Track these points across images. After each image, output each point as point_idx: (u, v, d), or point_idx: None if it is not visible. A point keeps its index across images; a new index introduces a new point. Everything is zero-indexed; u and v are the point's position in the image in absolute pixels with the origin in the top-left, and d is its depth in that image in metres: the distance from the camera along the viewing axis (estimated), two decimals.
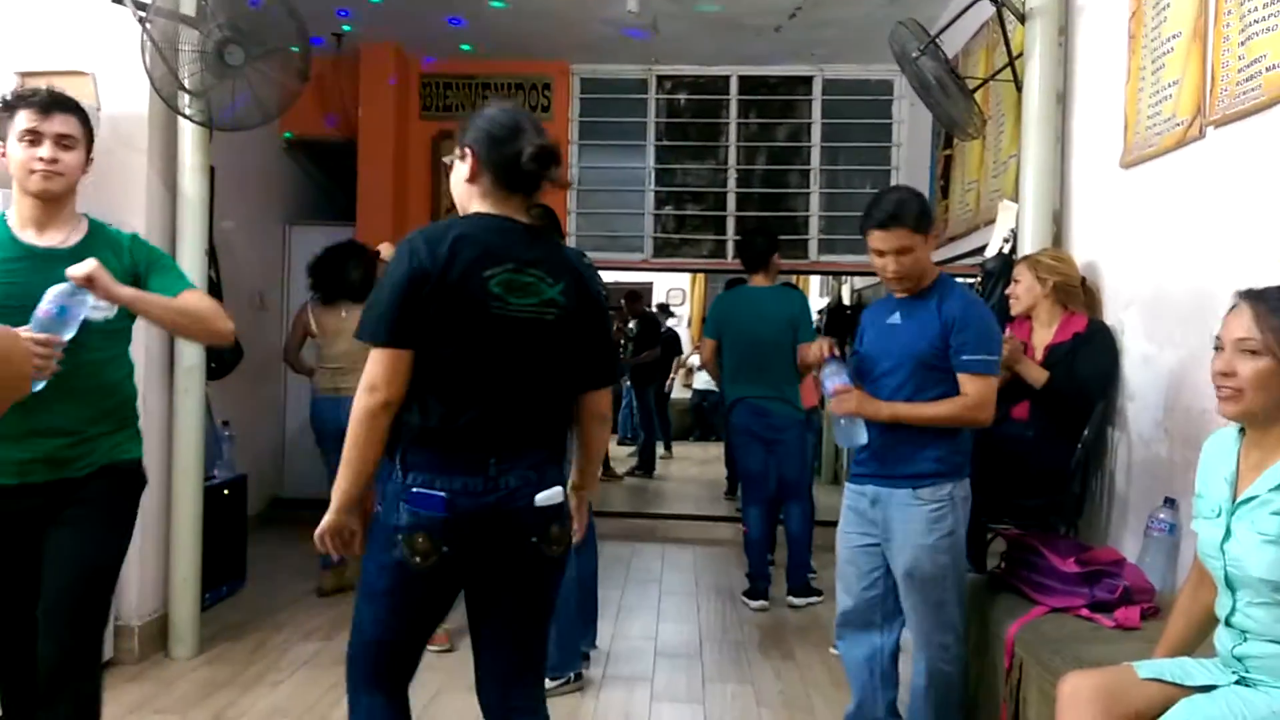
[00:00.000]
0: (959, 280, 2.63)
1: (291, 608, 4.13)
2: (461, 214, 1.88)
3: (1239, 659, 1.65)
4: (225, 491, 4.20)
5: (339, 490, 1.81)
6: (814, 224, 5.90)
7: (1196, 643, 1.84)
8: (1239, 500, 1.66)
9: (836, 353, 2.51)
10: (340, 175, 6.29)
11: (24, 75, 3.44)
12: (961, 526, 2.43)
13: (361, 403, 1.74)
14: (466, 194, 1.88)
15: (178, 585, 3.50)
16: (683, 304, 10.43)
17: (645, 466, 8.11)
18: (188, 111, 3.32)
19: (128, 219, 3.42)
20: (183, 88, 3.20)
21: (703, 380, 9.25)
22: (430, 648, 3.58)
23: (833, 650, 3.22)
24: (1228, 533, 1.66)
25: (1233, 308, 1.66)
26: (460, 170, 1.87)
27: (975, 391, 2.36)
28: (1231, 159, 2.35)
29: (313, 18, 3.30)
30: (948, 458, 2.42)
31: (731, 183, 5.95)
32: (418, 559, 1.75)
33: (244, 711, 3.04)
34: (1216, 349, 1.67)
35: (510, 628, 1.91)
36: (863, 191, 5.91)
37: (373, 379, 1.73)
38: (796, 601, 4.35)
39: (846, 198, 5.94)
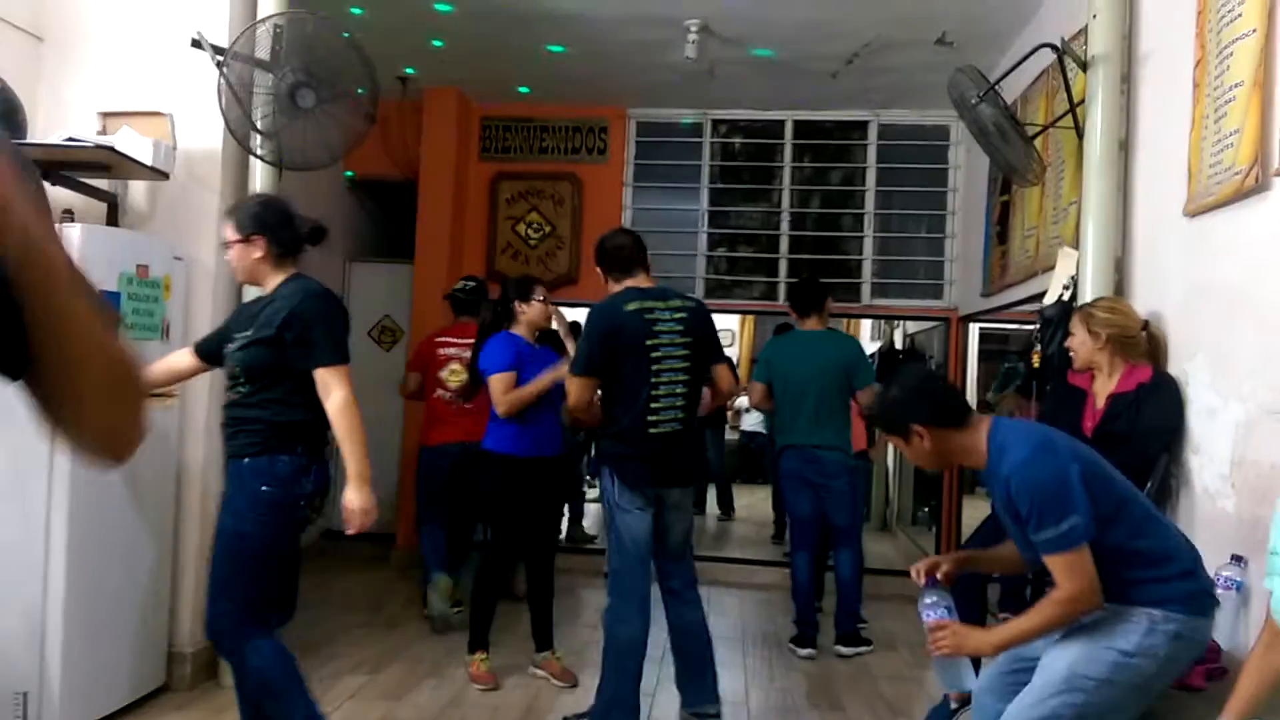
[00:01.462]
0: (1005, 423, 2.25)
1: (340, 639, 4.17)
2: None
3: None
4: None
5: None
6: (867, 268, 5.88)
7: (1267, 703, 1.78)
8: None
9: (937, 575, 2.24)
10: (400, 214, 6.44)
11: (106, 115, 3.59)
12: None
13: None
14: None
15: None
16: (731, 345, 10.44)
17: (725, 508, 8.07)
18: (259, 151, 3.43)
19: (200, 253, 3.54)
20: (255, 129, 3.31)
21: (750, 421, 9.19)
22: (476, 686, 3.60)
23: None
24: None
25: None
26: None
27: (1060, 574, 1.97)
28: None
29: (379, 61, 3.40)
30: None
31: (785, 225, 5.97)
32: None
33: None
34: None
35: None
36: (917, 236, 5.90)
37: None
38: (845, 651, 4.27)
39: (900, 242, 5.92)
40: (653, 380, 3.11)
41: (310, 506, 2.56)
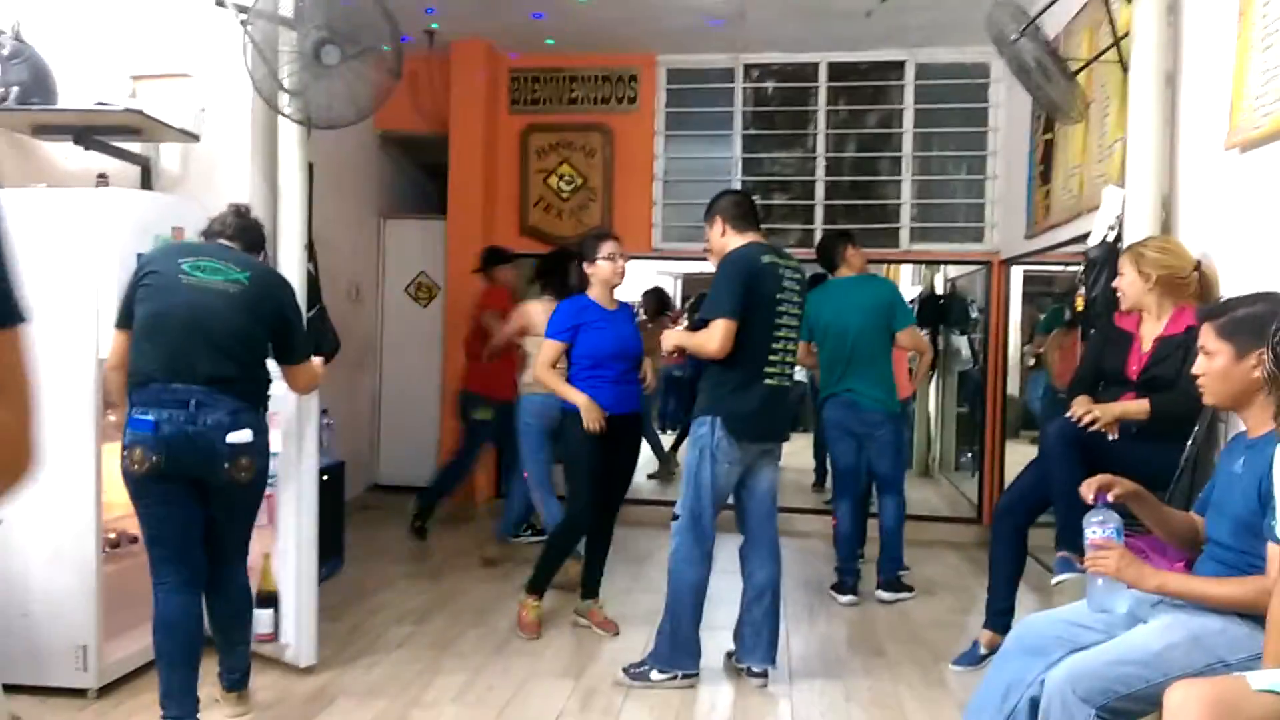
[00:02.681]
0: None
1: (387, 590, 4.26)
2: None
3: None
4: (325, 477, 4.33)
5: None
6: (905, 212, 5.76)
7: None
8: None
9: (1109, 495, 2.16)
10: (432, 169, 6.43)
11: (136, 79, 3.60)
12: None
13: None
14: None
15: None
16: None
17: None
18: (287, 110, 3.42)
19: None
20: (282, 87, 3.30)
21: None
22: (520, 635, 3.67)
23: None
24: None
25: None
26: None
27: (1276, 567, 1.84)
28: None
29: (403, 15, 3.36)
30: None
31: (820, 171, 5.85)
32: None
33: (343, 690, 3.15)
34: None
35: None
36: (957, 178, 5.75)
37: None
38: (886, 596, 4.28)
39: (940, 185, 5.78)
40: (775, 334, 3.19)
41: (129, 458, 2.56)
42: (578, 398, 3.62)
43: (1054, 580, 2.86)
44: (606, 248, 3.76)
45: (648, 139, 5.93)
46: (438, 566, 4.71)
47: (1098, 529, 2.10)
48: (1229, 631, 1.93)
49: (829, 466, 5.11)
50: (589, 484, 3.71)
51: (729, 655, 3.39)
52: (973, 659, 3.23)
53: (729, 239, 3.28)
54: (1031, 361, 5.66)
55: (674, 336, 3.39)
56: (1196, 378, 2.18)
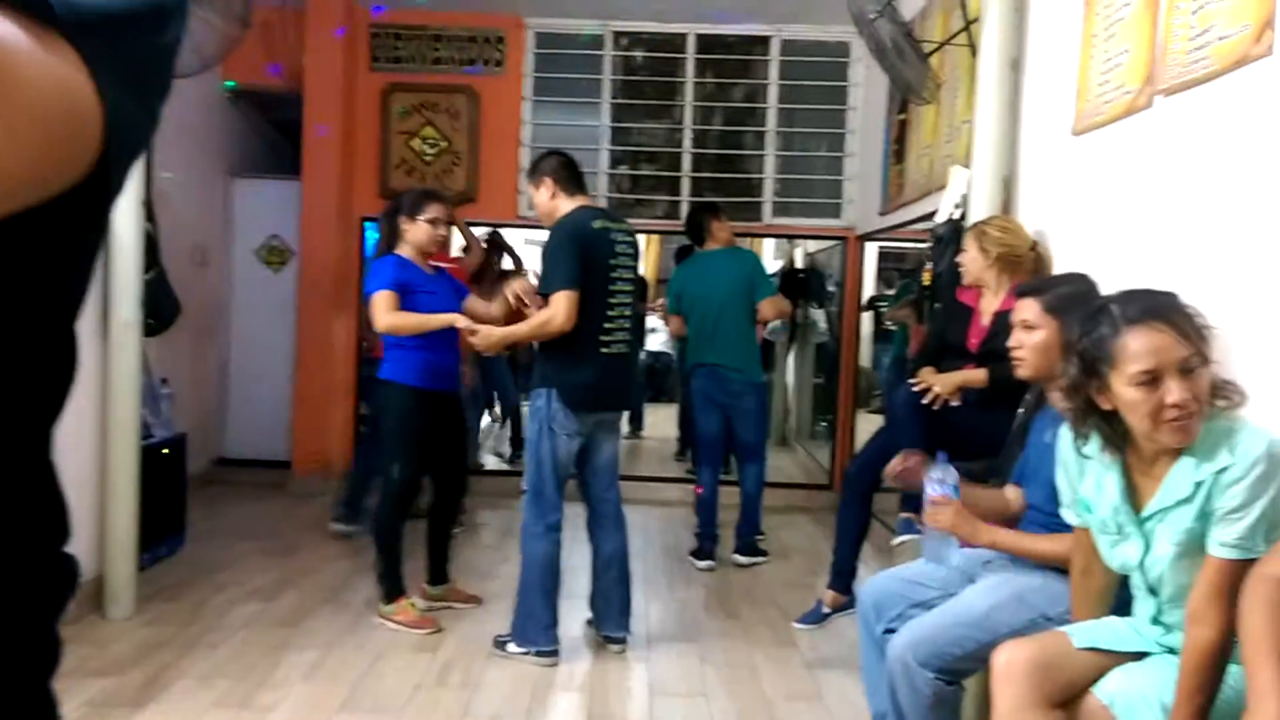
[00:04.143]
0: None
1: (233, 568, 4.07)
2: None
3: (1165, 626, 1.70)
4: (164, 451, 4.10)
5: None
6: (768, 186, 5.87)
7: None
8: (1145, 515, 1.67)
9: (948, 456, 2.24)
10: (287, 127, 6.12)
11: None
12: None
13: None
14: None
15: (113, 545, 3.42)
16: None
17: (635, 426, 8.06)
18: None
19: None
20: None
21: (656, 342, 9.24)
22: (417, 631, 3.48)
23: None
24: (1146, 547, 1.68)
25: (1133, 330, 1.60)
26: None
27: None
28: (1179, 129, 2.36)
29: None
30: None
31: (687, 143, 5.89)
32: None
33: (182, 673, 3.00)
34: (1153, 380, 1.57)
35: None
36: (818, 154, 5.90)
37: None
38: (743, 561, 4.40)
39: (801, 161, 5.91)
40: (610, 301, 3.14)
41: None
42: (442, 319, 3.31)
43: (895, 541, 3.00)
44: (432, 210, 3.45)
45: (515, 104, 5.82)
46: (290, 543, 4.54)
47: (936, 485, 2.21)
48: (1049, 587, 2.06)
49: (693, 436, 5.21)
50: (408, 457, 3.45)
51: (589, 623, 3.41)
52: (816, 618, 3.35)
53: (559, 202, 3.20)
54: (892, 326, 5.87)
55: (497, 335, 3.22)
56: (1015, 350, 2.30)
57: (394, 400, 3.46)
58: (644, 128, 5.98)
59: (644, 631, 3.50)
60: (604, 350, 3.14)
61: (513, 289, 3.33)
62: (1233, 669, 1.55)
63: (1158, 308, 1.61)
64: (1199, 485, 1.57)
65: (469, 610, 3.66)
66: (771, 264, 8.31)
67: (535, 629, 3.18)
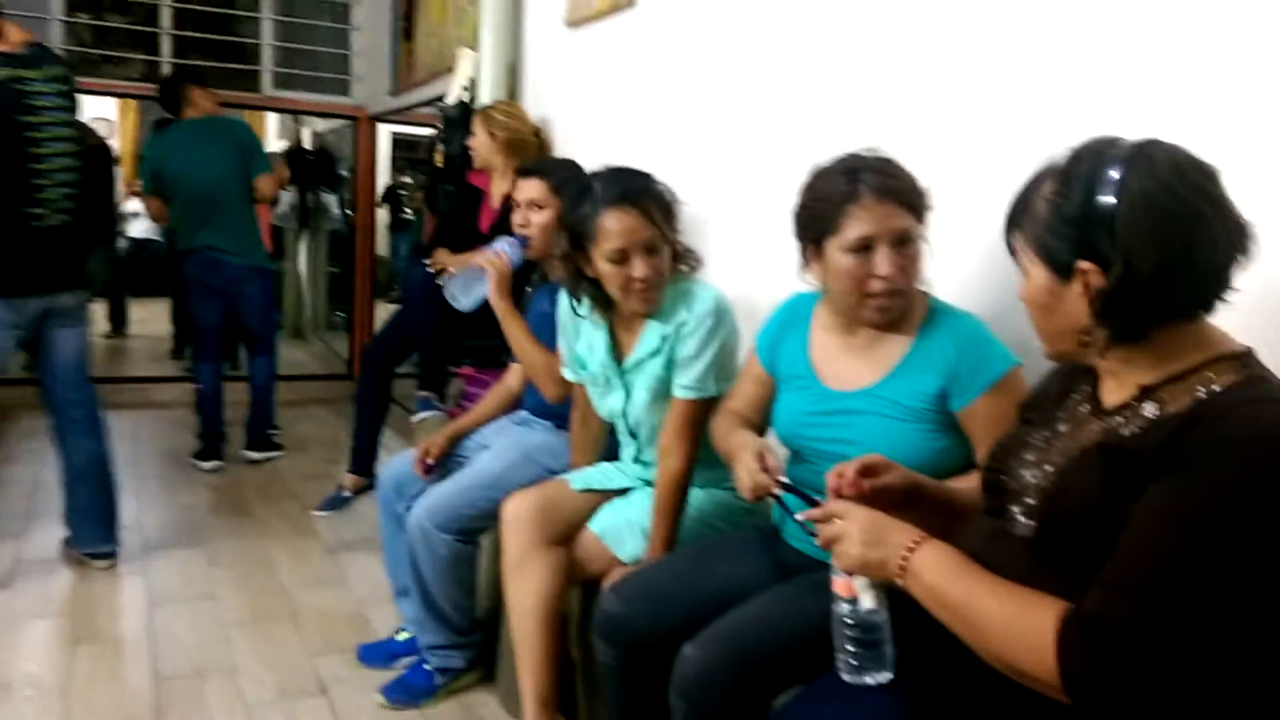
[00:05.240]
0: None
1: None
2: None
3: (644, 464, 1.95)
4: None
5: None
6: (267, 54, 5.38)
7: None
8: (626, 367, 1.89)
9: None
10: None
11: None
12: None
13: None
14: None
15: None
16: (111, 136, 8.96)
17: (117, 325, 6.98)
18: None
19: None
20: None
21: (141, 228, 8.16)
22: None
23: None
24: (627, 395, 1.89)
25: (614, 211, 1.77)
26: None
27: None
28: (658, 28, 2.60)
29: None
30: None
31: None
32: None
33: None
34: (623, 258, 1.77)
35: None
36: (321, 24, 5.52)
37: None
38: (255, 456, 4.17)
39: (305, 30, 5.49)
40: (34, 167, 2.60)
41: None
42: None
43: (414, 418, 3.05)
44: None
45: None
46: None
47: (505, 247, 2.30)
48: (553, 445, 2.25)
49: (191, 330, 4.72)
50: None
51: (66, 542, 2.99)
52: (336, 503, 3.31)
53: None
54: (410, 214, 5.80)
55: None
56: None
57: None
58: None
59: (139, 542, 3.17)
60: (36, 222, 2.64)
61: None
62: (694, 492, 1.84)
63: (631, 191, 1.79)
64: (665, 339, 1.82)
65: None
66: (275, 143, 7.74)
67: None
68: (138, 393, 5.20)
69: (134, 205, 7.97)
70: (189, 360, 5.14)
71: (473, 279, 2.29)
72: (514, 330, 2.23)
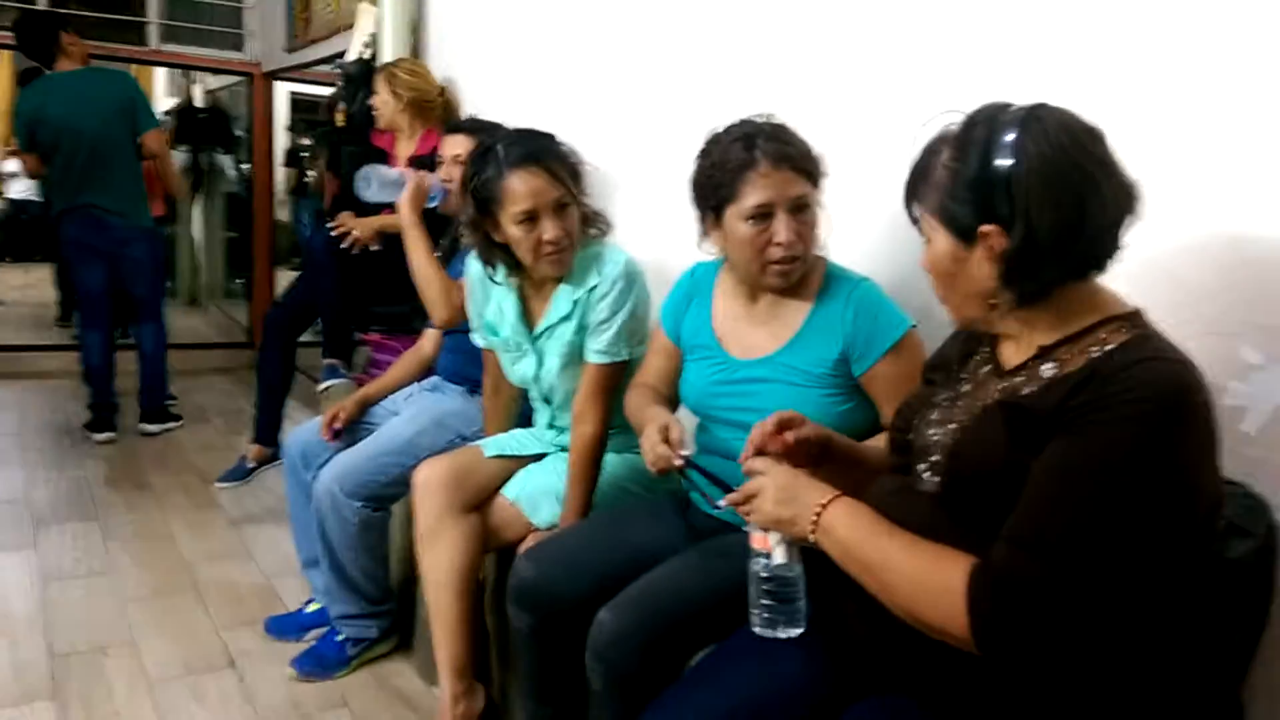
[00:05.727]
0: None
1: None
2: None
3: (558, 429, 1.95)
4: None
5: None
6: (153, 6, 5.09)
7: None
8: (537, 333, 1.86)
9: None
10: None
11: None
12: None
13: None
14: None
15: None
16: None
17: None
18: None
19: None
20: None
21: (19, 189, 7.71)
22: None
23: None
24: (539, 362, 1.88)
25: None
26: None
27: None
28: None
29: None
30: None
31: None
32: None
33: None
34: (531, 218, 1.73)
35: None
36: None
37: None
38: (151, 428, 4.00)
39: None
40: None
41: None
42: None
43: (320, 387, 2.97)
44: None
45: None
46: None
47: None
48: (465, 410, 2.22)
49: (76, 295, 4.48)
50: None
51: None
52: (240, 474, 3.22)
53: None
54: (312, 178, 5.59)
55: None
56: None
57: None
58: None
59: (27, 518, 3.02)
60: None
61: None
62: (609, 456, 1.85)
63: (536, 152, 1.75)
64: (576, 303, 1.80)
65: None
66: (165, 102, 7.38)
67: None
68: (19, 361, 4.93)
69: (11, 165, 7.51)
70: (77, 328, 4.91)
71: (390, 182, 2.28)
72: (416, 246, 2.23)
